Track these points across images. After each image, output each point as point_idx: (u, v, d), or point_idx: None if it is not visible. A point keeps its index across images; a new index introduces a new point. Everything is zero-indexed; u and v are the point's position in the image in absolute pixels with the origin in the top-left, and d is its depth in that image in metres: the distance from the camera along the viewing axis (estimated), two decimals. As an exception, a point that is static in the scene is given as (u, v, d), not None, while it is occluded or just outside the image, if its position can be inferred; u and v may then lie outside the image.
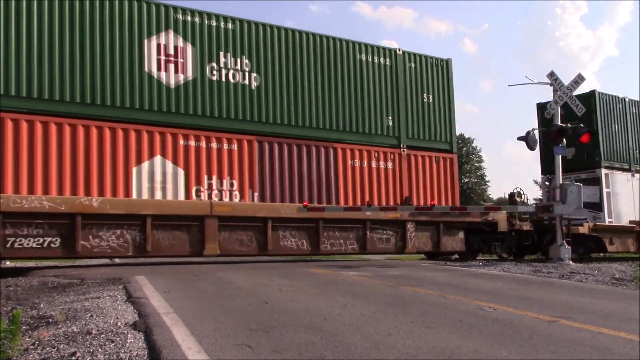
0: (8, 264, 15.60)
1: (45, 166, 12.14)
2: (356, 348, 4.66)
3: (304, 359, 4.35)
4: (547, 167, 18.99)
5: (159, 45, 13.66)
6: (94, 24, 13.01)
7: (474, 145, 66.82)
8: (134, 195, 13.01)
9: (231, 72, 14.51)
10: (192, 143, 13.84)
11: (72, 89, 12.64)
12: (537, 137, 16.37)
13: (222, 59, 14.42)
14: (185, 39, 14.00)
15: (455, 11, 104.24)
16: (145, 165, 13.27)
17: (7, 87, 11.99)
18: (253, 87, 14.74)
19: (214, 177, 14.05)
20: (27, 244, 11.72)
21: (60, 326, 5.66)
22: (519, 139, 17.24)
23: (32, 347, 4.85)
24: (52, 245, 11.95)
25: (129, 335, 5.06)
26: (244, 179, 14.42)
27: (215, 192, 14.04)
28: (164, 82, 13.67)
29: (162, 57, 13.70)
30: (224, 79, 14.39)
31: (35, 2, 12.42)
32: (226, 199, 14.10)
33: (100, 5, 13.11)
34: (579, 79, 16.16)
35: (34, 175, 12.00)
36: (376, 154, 16.40)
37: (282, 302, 7.10)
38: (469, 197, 63.24)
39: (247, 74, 14.72)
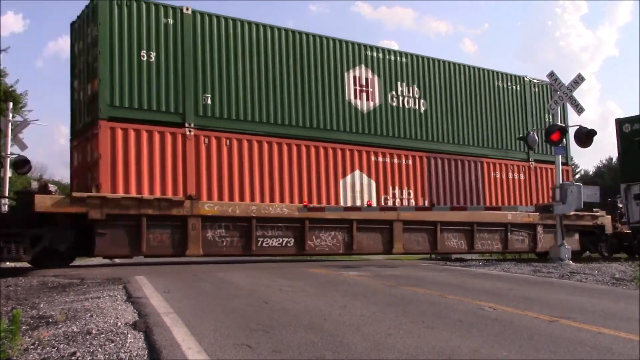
0: (8, 263, 15.59)
1: (281, 179, 14.99)
2: (356, 348, 4.66)
3: (304, 359, 4.35)
4: (629, 173, 20.42)
5: (354, 77, 16.60)
6: (309, 60, 15.85)
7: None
8: (341, 203, 15.76)
9: (406, 98, 17.42)
10: (380, 159, 16.68)
11: (296, 115, 15.46)
12: (536, 137, 16.40)
13: (399, 88, 17.34)
14: (373, 71, 16.90)
15: (455, 11, 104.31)
16: (348, 177, 16.13)
17: (260, 116, 14.91)
18: (422, 111, 17.65)
19: (397, 187, 16.85)
20: (272, 244, 14.48)
21: (60, 326, 5.66)
22: (519, 139, 17.28)
23: (32, 347, 4.85)
24: (288, 244, 14.77)
25: (129, 335, 5.06)
26: (417, 188, 17.25)
27: (397, 200, 16.82)
28: (359, 108, 16.55)
29: (357, 87, 16.60)
30: (400, 104, 17.28)
31: (268, 41, 15.25)
32: (405, 205, 16.84)
33: (313, 43, 15.96)
34: (579, 79, 16.17)
35: (274, 187, 14.87)
36: (511, 166, 19.16)
37: (282, 302, 7.10)
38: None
39: (417, 100, 17.61)
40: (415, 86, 17.56)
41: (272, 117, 15.05)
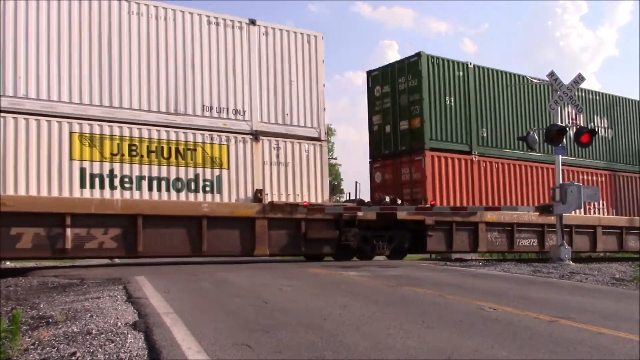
0: (8, 264, 15.60)
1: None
2: (356, 348, 4.66)
3: (304, 358, 4.35)
4: None
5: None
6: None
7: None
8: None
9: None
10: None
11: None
12: (536, 137, 16.40)
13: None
14: None
15: (455, 11, 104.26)
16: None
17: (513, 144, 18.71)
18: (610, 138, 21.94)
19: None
20: (523, 243, 18.71)
21: (60, 326, 5.66)
22: (519, 139, 17.26)
23: (32, 347, 4.85)
24: (533, 244, 19.00)
25: (129, 335, 5.06)
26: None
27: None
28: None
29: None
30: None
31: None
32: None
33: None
34: (579, 79, 16.17)
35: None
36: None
37: (282, 302, 7.10)
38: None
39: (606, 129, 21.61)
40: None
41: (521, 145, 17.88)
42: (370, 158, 18.89)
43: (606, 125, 20.97)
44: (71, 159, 12.45)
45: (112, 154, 12.89)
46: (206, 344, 4.70)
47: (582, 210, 18.82)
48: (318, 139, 15.39)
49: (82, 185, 12.53)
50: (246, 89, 14.54)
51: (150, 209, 13.03)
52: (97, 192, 12.68)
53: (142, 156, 13.17)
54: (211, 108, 14.08)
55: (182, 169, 13.59)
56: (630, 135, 22.44)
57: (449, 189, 17.28)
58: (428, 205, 16.47)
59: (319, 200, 15.17)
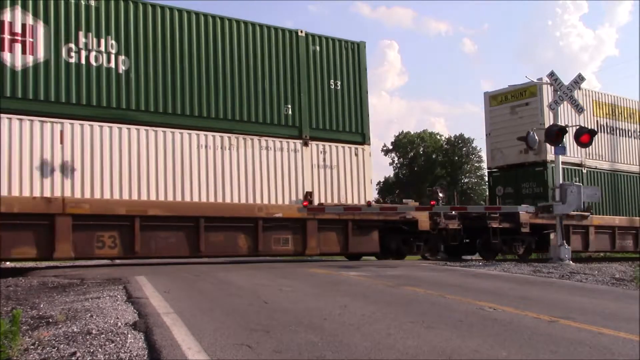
0: (8, 264, 15.60)
1: None
2: (356, 348, 4.66)
3: (304, 359, 4.35)
4: None
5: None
6: None
7: (473, 145, 67.07)
8: None
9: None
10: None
11: None
12: (536, 137, 16.41)
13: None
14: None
15: (455, 11, 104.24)
16: None
17: None
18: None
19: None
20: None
21: (60, 326, 5.66)
22: (519, 139, 17.26)
23: (32, 347, 4.85)
24: None
25: (129, 335, 5.06)
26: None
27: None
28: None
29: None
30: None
31: None
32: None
33: None
34: (579, 79, 16.18)
35: None
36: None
37: (282, 302, 7.10)
38: (469, 197, 63.31)
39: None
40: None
41: None
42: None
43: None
44: None
45: None
46: (206, 344, 4.70)
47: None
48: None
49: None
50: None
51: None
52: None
53: None
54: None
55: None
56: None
57: None
58: (428, 206, 16.51)
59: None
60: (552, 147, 16.40)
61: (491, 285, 9.51)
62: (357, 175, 15.96)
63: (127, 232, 12.75)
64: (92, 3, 13.03)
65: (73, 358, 4.46)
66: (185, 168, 13.64)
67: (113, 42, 13.22)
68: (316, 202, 15.10)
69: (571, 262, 14.95)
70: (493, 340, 5.01)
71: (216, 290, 8.30)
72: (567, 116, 18.07)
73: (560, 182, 15.61)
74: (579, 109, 16.84)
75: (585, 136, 15.89)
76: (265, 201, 14.51)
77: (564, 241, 15.39)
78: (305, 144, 15.31)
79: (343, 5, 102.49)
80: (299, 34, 15.65)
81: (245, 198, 14.28)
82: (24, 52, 12.22)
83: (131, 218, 12.73)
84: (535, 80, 18.39)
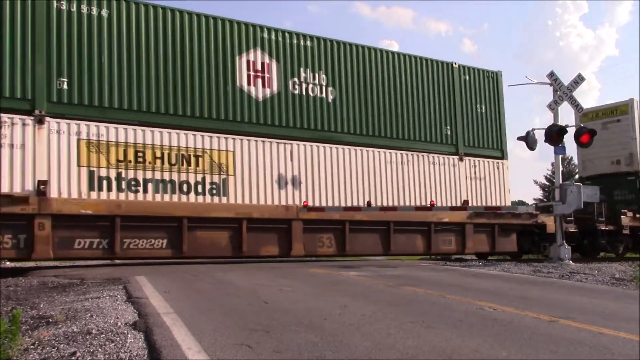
0: (8, 264, 15.60)
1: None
2: (356, 348, 4.66)
3: (304, 359, 4.35)
4: None
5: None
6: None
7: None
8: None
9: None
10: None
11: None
12: (536, 137, 16.42)
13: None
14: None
15: (455, 11, 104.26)
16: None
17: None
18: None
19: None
20: None
21: (60, 326, 5.66)
22: (519, 139, 17.26)
23: (32, 347, 4.85)
24: None
25: (129, 335, 5.06)
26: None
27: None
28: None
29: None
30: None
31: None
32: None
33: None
34: (579, 79, 16.17)
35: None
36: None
37: (282, 302, 7.10)
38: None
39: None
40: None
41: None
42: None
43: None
44: None
45: None
46: (206, 344, 4.70)
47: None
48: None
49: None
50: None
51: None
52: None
53: None
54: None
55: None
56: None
57: None
58: (428, 205, 16.50)
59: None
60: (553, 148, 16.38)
61: (491, 285, 9.51)
62: (498, 185, 18.91)
63: (340, 234, 15.51)
64: (309, 44, 15.98)
65: (73, 358, 4.46)
66: (377, 180, 16.44)
67: (323, 75, 16.16)
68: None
69: (571, 262, 14.95)
70: (493, 340, 5.01)
71: (216, 290, 8.30)
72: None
73: (560, 182, 15.61)
74: (579, 109, 16.83)
75: (585, 136, 15.89)
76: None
77: (564, 241, 15.38)
78: (461, 159, 18.20)
79: (343, 5, 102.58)
80: (454, 65, 18.69)
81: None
82: (263, 85, 15.18)
83: (343, 222, 15.44)
84: (535, 81, 18.41)
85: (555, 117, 16.18)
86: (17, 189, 11.77)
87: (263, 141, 14.87)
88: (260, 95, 15.03)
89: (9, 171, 11.77)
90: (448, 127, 18.11)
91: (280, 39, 15.54)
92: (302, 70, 15.77)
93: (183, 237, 13.35)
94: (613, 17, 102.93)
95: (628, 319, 6.34)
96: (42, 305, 7.09)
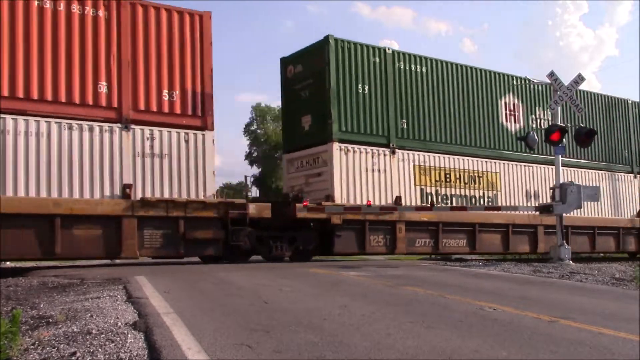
0: (8, 264, 15.60)
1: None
2: (356, 348, 4.66)
3: (304, 359, 4.35)
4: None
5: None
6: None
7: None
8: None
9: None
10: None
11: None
12: (536, 137, 16.42)
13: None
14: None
15: (455, 11, 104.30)
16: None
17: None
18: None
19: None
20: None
21: (60, 326, 5.66)
22: (519, 139, 17.28)
23: (32, 347, 4.85)
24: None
25: (129, 335, 5.06)
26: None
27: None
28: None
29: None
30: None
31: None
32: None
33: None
34: (579, 79, 16.18)
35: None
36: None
37: (282, 302, 7.10)
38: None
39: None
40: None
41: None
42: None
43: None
44: None
45: None
46: (206, 344, 4.70)
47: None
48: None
49: None
50: None
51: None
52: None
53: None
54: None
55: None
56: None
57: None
58: (428, 205, 16.49)
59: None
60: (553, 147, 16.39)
61: (491, 285, 9.51)
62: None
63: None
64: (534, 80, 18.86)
65: (73, 358, 4.46)
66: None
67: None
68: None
69: (571, 262, 14.95)
70: (493, 340, 5.01)
71: (216, 290, 8.30)
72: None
73: (561, 182, 15.61)
74: (579, 109, 16.85)
75: (585, 136, 15.90)
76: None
77: (564, 241, 15.38)
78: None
79: (343, 5, 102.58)
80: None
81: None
82: (514, 122, 19.13)
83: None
84: (535, 81, 18.45)
85: (555, 117, 16.18)
86: (382, 202, 15.97)
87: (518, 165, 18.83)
88: (513, 130, 18.97)
89: (376, 188, 15.99)
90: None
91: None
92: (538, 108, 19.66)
93: (475, 237, 17.51)
94: (613, 17, 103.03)
95: (628, 319, 6.34)
96: (42, 305, 7.09)
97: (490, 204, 17.89)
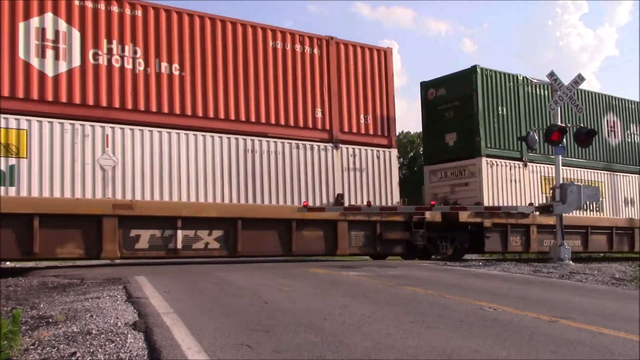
0: (8, 264, 15.61)
1: None
2: (356, 348, 4.66)
3: (304, 359, 4.35)
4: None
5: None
6: None
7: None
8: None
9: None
10: None
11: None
12: (536, 137, 16.42)
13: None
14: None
15: (455, 11, 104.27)
16: None
17: None
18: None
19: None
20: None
21: (60, 326, 5.66)
22: (519, 139, 17.28)
23: (32, 347, 4.85)
24: None
25: (129, 335, 5.06)
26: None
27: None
28: None
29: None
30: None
31: None
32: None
33: None
34: (579, 79, 16.18)
35: None
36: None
37: (282, 302, 7.10)
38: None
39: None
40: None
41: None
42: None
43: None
44: None
45: None
46: (206, 344, 4.70)
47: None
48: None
49: None
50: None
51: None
52: None
53: None
54: None
55: None
56: None
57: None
58: (428, 206, 16.52)
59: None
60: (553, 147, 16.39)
61: (491, 285, 9.51)
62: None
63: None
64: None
65: (73, 358, 4.46)
66: None
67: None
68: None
69: (571, 262, 14.95)
70: (493, 340, 5.01)
71: (216, 290, 8.30)
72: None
73: (561, 182, 15.61)
74: (579, 109, 16.84)
75: (585, 136, 15.90)
76: None
77: (564, 241, 15.38)
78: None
79: (343, 5, 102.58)
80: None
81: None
82: (614, 137, 21.82)
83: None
84: (535, 81, 18.47)
85: (555, 117, 16.18)
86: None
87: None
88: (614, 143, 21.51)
89: (512, 195, 18.26)
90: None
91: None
92: None
93: (588, 238, 19.82)
94: (613, 17, 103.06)
95: (628, 319, 6.34)
96: (42, 305, 7.09)
97: (598, 209, 20.39)
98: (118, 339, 4.96)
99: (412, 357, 4.42)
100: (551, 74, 16.16)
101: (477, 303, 7.13)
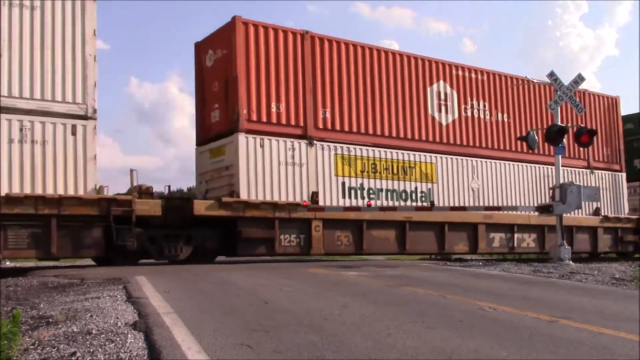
0: (8, 264, 15.60)
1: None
2: (356, 348, 4.66)
3: (304, 359, 4.35)
4: None
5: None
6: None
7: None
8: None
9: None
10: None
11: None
12: (536, 137, 16.42)
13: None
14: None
15: (455, 11, 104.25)
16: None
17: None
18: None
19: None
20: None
21: (60, 326, 5.66)
22: (519, 139, 17.27)
23: (32, 347, 4.85)
24: None
25: (129, 335, 5.06)
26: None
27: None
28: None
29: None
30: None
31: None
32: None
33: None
34: (579, 79, 16.17)
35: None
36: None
37: (282, 302, 7.10)
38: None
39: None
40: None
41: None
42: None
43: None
44: None
45: None
46: (206, 344, 4.70)
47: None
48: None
49: None
50: None
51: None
52: None
53: None
54: None
55: None
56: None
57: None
58: (428, 205, 16.49)
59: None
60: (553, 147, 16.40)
61: (491, 285, 9.51)
62: None
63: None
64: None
65: (73, 358, 4.46)
66: None
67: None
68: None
69: (571, 262, 14.95)
70: (493, 340, 5.01)
71: (216, 290, 8.30)
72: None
73: (561, 182, 15.61)
74: (579, 109, 16.84)
75: (585, 136, 15.90)
76: None
77: (564, 241, 15.38)
78: None
79: (343, 5, 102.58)
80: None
81: None
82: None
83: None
84: (535, 81, 18.48)
85: (555, 117, 16.18)
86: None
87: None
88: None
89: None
90: None
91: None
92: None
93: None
94: (613, 17, 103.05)
95: (628, 319, 6.34)
96: (42, 305, 7.09)
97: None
98: (118, 339, 4.96)
99: (412, 357, 4.42)
100: (551, 74, 16.15)
101: (477, 303, 7.13)
